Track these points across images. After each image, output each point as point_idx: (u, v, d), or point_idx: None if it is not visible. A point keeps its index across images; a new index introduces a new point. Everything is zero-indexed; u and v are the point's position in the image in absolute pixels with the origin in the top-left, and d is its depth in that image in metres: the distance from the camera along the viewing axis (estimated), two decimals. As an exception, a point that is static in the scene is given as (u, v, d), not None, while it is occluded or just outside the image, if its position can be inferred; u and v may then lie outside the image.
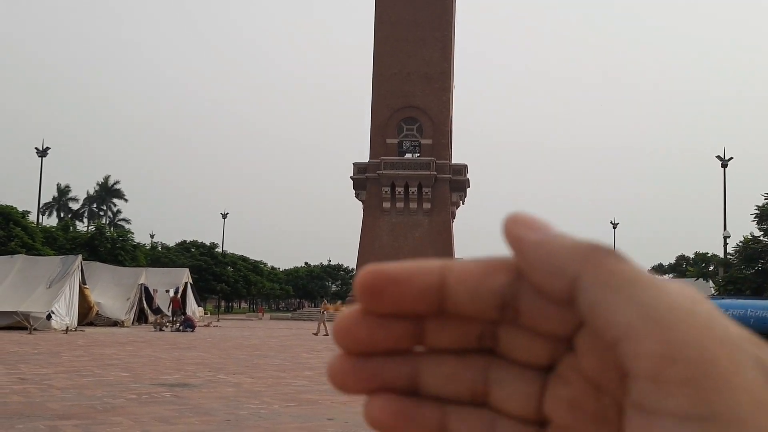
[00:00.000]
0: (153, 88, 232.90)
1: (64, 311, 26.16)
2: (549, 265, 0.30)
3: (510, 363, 0.33)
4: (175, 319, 31.28)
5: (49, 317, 25.05)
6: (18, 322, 24.50)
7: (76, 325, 26.66)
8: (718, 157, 46.02)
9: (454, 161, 61.38)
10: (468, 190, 61.81)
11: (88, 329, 27.00)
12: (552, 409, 0.31)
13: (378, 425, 0.33)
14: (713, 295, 29.26)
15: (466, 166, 61.33)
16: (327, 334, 27.67)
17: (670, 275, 67.55)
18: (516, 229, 0.31)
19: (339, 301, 55.76)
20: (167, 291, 34.21)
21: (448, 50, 61.07)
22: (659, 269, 76.94)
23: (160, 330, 29.07)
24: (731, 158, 45.68)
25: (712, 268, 42.05)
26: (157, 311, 32.88)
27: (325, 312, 31.15)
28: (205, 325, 34.86)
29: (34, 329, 24.02)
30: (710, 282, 37.58)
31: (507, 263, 0.32)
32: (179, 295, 35.24)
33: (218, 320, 43.98)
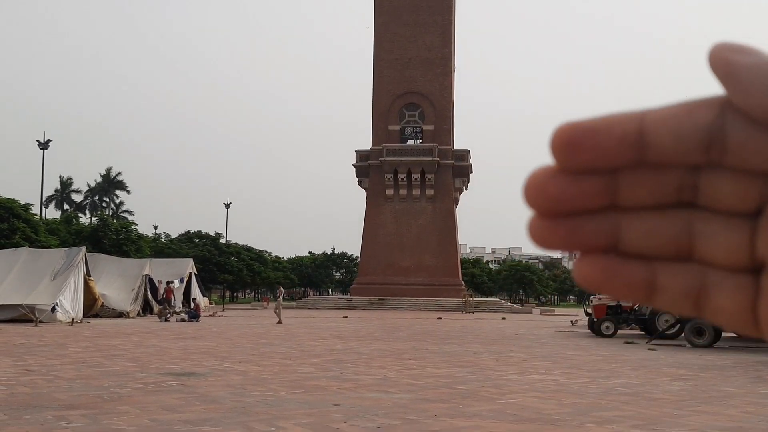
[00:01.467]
0: (153, 79, 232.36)
1: (69, 303, 26.18)
2: None
3: (714, 213, 0.31)
4: (168, 308, 31.05)
5: (54, 310, 25.08)
6: (24, 315, 24.56)
7: (81, 317, 26.70)
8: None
9: (456, 147, 61.23)
10: (471, 175, 61.68)
11: (94, 321, 27.05)
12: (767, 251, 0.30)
13: (588, 282, 0.33)
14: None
15: (468, 152, 61.17)
16: (280, 322, 27.52)
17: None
18: (726, 53, 0.29)
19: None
20: (169, 282, 34.14)
21: (449, 34, 60.75)
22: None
23: (166, 320, 29.12)
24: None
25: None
26: (161, 302, 32.90)
27: (281, 297, 31.21)
28: (210, 315, 34.91)
29: (40, 322, 24.07)
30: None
31: (709, 100, 0.30)
32: (178, 286, 35.33)
33: (223, 310, 44.05)
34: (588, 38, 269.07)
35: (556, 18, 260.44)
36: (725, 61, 0.29)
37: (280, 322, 27.79)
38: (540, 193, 0.32)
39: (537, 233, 0.32)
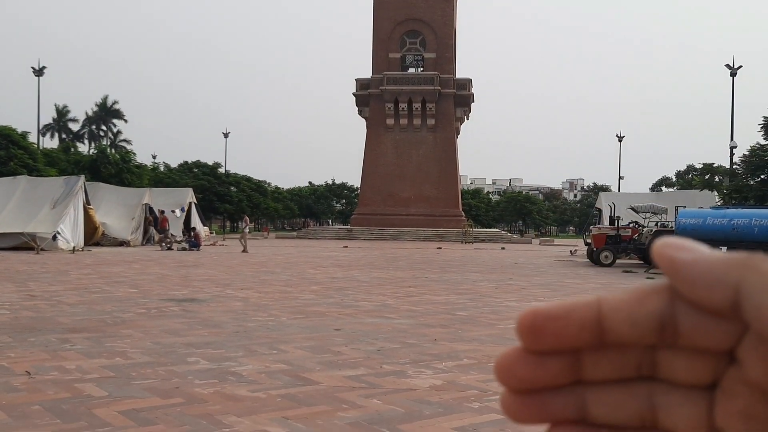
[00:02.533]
0: (149, 5, 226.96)
1: (70, 232, 26.29)
2: (709, 278, 0.30)
3: (673, 386, 0.33)
4: (169, 237, 31.12)
5: (55, 238, 25.21)
6: (25, 243, 24.69)
7: (82, 245, 26.86)
8: (727, 65, 45.04)
9: (458, 75, 60.26)
10: (473, 105, 60.94)
11: (95, 249, 27.23)
12: (725, 423, 0.32)
13: None
14: (718, 205, 29.17)
15: (470, 81, 60.23)
16: (245, 251, 27.58)
17: (676, 187, 67.37)
18: (668, 251, 0.32)
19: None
20: (172, 211, 34.23)
21: (451, -41, 58.97)
22: (665, 182, 76.70)
23: (168, 249, 29.30)
24: (740, 67, 44.72)
25: (717, 179, 41.79)
26: (162, 231, 33.06)
27: (247, 228, 31.42)
28: (210, 244, 35.15)
29: (41, 249, 24.23)
30: (715, 192, 37.40)
31: (659, 287, 0.33)
32: (179, 215, 35.41)
33: (224, 239, 44.30)
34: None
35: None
36: (669, 258, 0.31)
37: (245, 251, 27.83)
38: (509, 373, 0.34)
39: (510, 408, 0.34)
